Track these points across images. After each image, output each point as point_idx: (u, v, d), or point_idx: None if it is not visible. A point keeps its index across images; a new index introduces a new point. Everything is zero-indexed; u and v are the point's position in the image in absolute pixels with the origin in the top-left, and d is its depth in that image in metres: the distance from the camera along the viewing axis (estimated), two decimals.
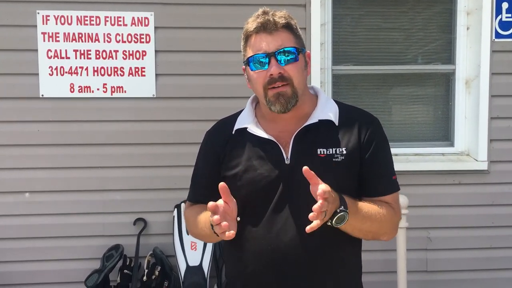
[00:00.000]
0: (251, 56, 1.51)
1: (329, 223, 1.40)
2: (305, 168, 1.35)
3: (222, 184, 1.40)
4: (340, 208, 1.39)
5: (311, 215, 1.30)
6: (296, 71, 1.51)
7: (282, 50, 1.49)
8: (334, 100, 1.66)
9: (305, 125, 1.55)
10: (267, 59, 1.49)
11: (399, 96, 3.55)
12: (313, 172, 1.35)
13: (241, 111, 1.68)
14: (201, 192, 1.66)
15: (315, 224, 1.31)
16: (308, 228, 1.31)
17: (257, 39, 1.50)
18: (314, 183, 1.35)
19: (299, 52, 1.52)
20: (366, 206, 1.49)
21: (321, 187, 1.31)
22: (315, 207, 1.29)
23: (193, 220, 1.63)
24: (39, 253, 3.25)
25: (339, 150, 1.52)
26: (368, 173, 1.54)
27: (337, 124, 1.57)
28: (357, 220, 1.45)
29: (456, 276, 3.44)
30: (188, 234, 3.10)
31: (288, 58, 1.49)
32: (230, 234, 1.36)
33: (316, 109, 1.59)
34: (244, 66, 1.59)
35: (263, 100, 1.54)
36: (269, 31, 1.49)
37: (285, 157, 1.53)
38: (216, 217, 1.35)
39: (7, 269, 3.23)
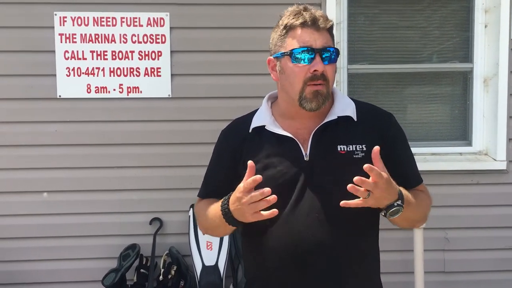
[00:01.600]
0: (295, 48, 1.48)
1: (383, 214, 1.43)
2: (376, 149, 1.36)
3: (251, 163, 1.40)
4: (398, 202, 1.40)
5: (349, 186, 1.31)
6: (333, 72, 1.52)
7: (328, 48, 1.49)
8: (348, 97, 1.67)
9: (325, 121, 1.54)
10: (313, 55, 1.47)
11: (416, 95, 3.52)
12: (379, 157, 1.37)
13: (255, 111, 1.67)
14: (213, 188, 1.66)
15: (354, 202, 1.34)
16: (343, 203, 1.34)
17: (304, 33, 1.48)
18: (376, 164, 1.36)
19: (337, 54, 1.53)
20: (415, 196, 1.52)
21: (377, 168, 1.33)
22: (356, 179, 1.30)
23: (203, 213, 1.63)
24: (57, 252, 3.28)
25: (359, 146, 1.52)
26: (397, 169, 1.53)
27: (355, 120, 1.57)
28: (408, 211, 1.46)
29: (474, 277, 3.40)
30: (204, 234, 3.11)
31: (330, 58, 1.49)
32: (274, 212, 1.36)
33: (334, 106, 1.58)
34: (272, 57, 1.57)
35: (295, 96, 1.51)
36: (318, 27, 1.49)
37: (304, 154, 1.52)
38: (267, 189, 1.34)
39: (25, 267, 3.27)
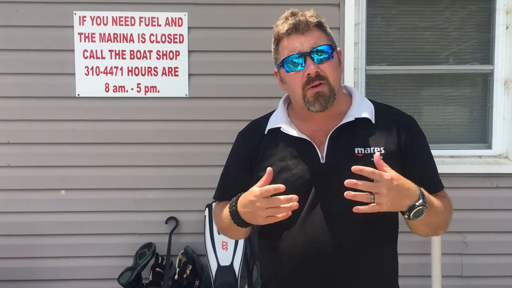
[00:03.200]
0: (285, 58, 1.49)
1: (406, 216, 1.39)
2: (376, 155, 1.35)
3: (269, 169, 1.40)
4: (419, 202, 1.37)
5: (346, 193, 1.31)
6: (331, 69, 1.49)
7: (316, 49, 1.47)
8: (368, 99, 1.64)
9: (341, 123, 1.52)
10: (303, 59, 1.47)
11: (435, 97, 3.48)
12: (382, 162, 1.35)
13: (272, 112, 1.66)
14: (230, 191, 1.63)
15: (366, 207, 1.32)
16: (355, 208, 1.33)
17: (290, 41, 1.49)
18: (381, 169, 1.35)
19: (333, 49, 1.51)
20: (436, 199, 1.48)
21: (367, 168, 1.31)
22: (347, 182, 1.31)
23: (219, 215, 1.63)
24: (73, 249, 3.31)
25: (377, 149, 1.49)
26: (413, 174, 1.50)
27: (374, 122, 1.54)
28: (431, 214, 1.42)
29: (492, 282, 3.35)
30: (219, 234, 3.11)
31: (323, 56, 1.48)
32: (288, 214, 1.36)
33: (351, 107, 1.57)
34: (276, 69, 1.58)
35: (300, 101, 1.51)
36: (302, 31, 1.48)
37: (320, 156, 1.51)
38: (282, 186, 1.34)
39: (42, 264, 3.30)
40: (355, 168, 1.31)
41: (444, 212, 1.50)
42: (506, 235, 3.33)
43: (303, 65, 1.47)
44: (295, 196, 1.35)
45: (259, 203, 1.37)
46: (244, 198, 1.44)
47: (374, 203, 1.32)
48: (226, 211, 1.55)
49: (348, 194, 1.31)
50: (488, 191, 3.32)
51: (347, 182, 1.30)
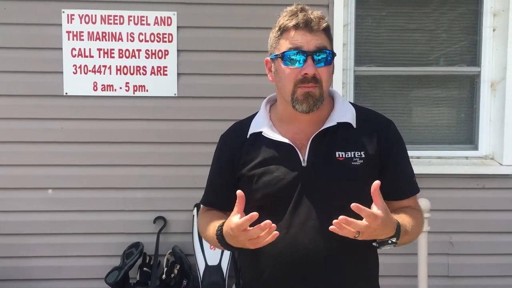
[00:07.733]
0: (287, 51, 1.47)
1: (374, 244, 1.42)
2: (375, 184, 1.31)
3: (240, 193, 1.37)
4: (392, 240, 1.39)
5: (331, 227, 1.29)
6: (327, 75, 1.49)
7: (321, 51, 1.46)
8: (349, 102, 1.65)
9: (324, 127, 1.53)
10: (304, 57, 1.45)
11: (423, 98, 3.50)
12: (378, 192, 1.32)
13: (254, 114, 1.66)
14: (215, 197, 1.65)
15: (343, 233, 1.30)
16: (332, 228, 1.30)
17: (297, 35, 1.46)
18: (375, 200, 1.32)
19: (333, 56, 1.50)
20: (411, 220, 1.49)
21: (369, 210, 1.28)
22: (341, 218, 1.27)
23: (204, 227, 1.62)
24: (60, 249, 3.29)
25: (358, 153, 1.50)
26: (389, 177, 1.52)
27: (355, 126, 1.55)
28: (403, 241, 1.45)
29: (478, 282, 3.38)
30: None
31: (324, 60, 1.47)
32: (275, 234, 1.33)
33: (334, 111, 1.57)
34: (269, 58, 1.56)
35: (288, 98, 1.50)
36: (311, 29, 1.46)
37: (301, 159, 1.51)
38: (256, 214, 1.31)
39: (29, 264, 3.28)
40: (354, 206, 1.26)
41: (416, 230, 1.53)
42: (492, 235, 3.37)
43: (302, 63, 1.45)
44: (268, 222, 1.31)
45: (240, 237, 1.35)
46: (226, 227, 1.42)
47: (357, 237, 1.31)
48: (212, 230, 1.53)
49: (333, 228, 1.29)
50: (475, 192, 3.35)
51: (341, 219, 1.27)
